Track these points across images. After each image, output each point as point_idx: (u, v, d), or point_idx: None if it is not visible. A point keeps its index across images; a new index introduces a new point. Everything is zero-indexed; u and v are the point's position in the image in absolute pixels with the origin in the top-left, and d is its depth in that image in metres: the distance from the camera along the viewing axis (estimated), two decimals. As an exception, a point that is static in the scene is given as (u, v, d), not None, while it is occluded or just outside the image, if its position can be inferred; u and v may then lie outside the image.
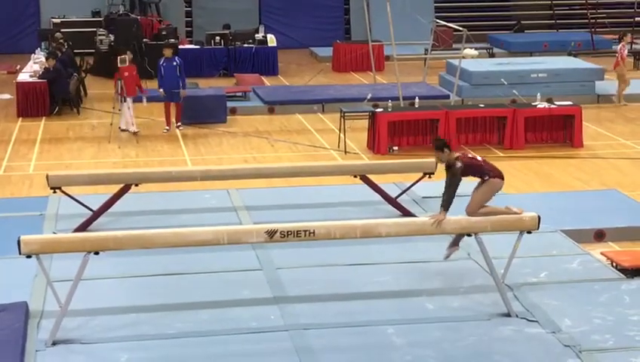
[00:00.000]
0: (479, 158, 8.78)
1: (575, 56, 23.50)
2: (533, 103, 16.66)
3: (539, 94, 17.12)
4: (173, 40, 23.59)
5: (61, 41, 21.70)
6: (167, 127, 17.29)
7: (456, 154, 8.47)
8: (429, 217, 8.50)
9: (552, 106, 16.41)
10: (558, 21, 29.35)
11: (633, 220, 11.34)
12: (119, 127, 17.07)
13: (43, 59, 20.15)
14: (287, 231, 8.08)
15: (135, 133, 16.83)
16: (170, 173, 11.68)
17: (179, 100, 17.34)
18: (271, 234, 8.06)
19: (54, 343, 7.74)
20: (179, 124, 17.40)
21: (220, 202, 11.89)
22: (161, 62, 17.31)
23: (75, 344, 7.78)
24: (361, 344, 7.85)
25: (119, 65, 16.97)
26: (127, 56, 17.14)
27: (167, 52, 17.39)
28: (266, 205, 11.71)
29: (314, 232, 8.15)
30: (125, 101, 16.94)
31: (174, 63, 17.29)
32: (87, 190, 11.61)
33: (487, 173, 8.55)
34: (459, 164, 8.32)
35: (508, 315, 8.34)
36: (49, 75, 18.81)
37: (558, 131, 16.37)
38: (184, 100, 18.08)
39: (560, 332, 8.01)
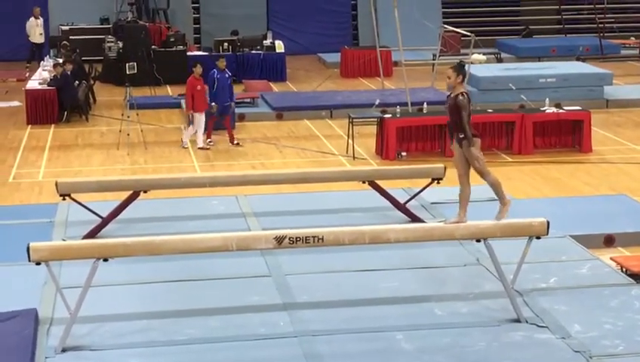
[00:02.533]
0: None
1: (583, 60, 23.48)
2: (541, 108, 16.64)
3: (547, 99, 17.09)
4: (181, 46, 23.68)
5: (69, 48, 21.78)
6: (211, 140, 16.53)
7: (465, 90, 8.37)
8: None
9: (561, 111, 16.39)
10: (566, 26, 29.31)
11: (643, 225, 11.32)
12: (183, 145, 16.44)
13: (52, 66, 20.20)
14: (296, 237, 8.08)
15: (203, 148, 16.21)
16: (179, 180, 11.70)
17: (229, 114, 16.71)
18: (280, 240, 8.06)
19: (64, 350, 7.76)
20: (237, 141, 16.54)
21: (229, 208, 11.90)
22: (216, 75, 16.43)
23: (84, 350, 7.79)
24: (370, 350, 7.84)
25: (195, 77, 16.26)
26: (199, 69, 16.42)
27: (221, 64, 16.58)
28: (275, 211, 11.71)
29: (323, 238, 8.14)
30: (193, 116, 16.24)
31: (227, 75, 16.60)
32: (96, 197, 11.62)
33: (465, 130, 8.36)
34: (465, 97, 8.25)
35: (517, 321, 8.32)
36: (58, 82, 18.86)
37: (567, 136, 16.35)
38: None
39: (570, 337, 7.99)
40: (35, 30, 24.55)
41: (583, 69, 20.84)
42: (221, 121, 16.67)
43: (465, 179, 8.57)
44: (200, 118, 16.35)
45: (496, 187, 8.52)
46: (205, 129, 16.44)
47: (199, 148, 16.27)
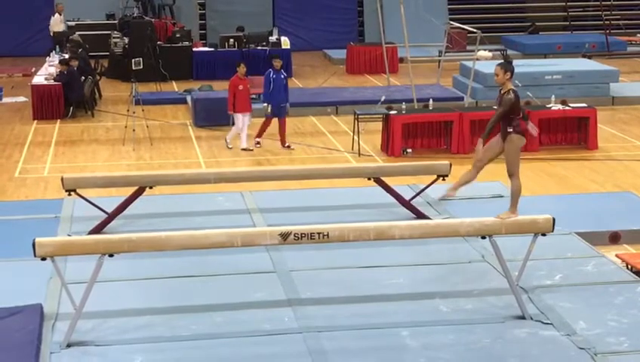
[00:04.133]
0: None
1: (589, 57, 23.45)
2: (547, 105, 16.63)
3: (553, 96, 17.07)
4: (187, 42, 23.69)
5: (80, 42, 21.82)
6: (258, 140, 16.25)
7: (513, 86, 8.39)
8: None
9: (567, 108, 16.37)
10: (572, 23, 29.28)
11: (648, 222, 11.31)
12: (242, 148, 16.00)
13: (58, 61, 20.23)
14: (301, 234, 8.08)
15: (247, 150, 15.94)
16: (184, 176, 11.70)
17: (284, 115, 16.30)
18: (285, 236, 8.06)
19: (69, 345, 7.76)
20: (288, 144, 16.23)
21: (234, 204, 11.90)
22: (271, 75, 16.06)
23: (89, 346, 7.80)
24: (374, 346, 7.84)
25: (239, 76, 16.00)
26: (242, 69, 16.13)
27: (277, 63, 16.09)
28: (280, 207, 11.72)
29: (328, 234, 8.14)
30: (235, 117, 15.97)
31: (282, 76, 16.19)
32: (101, 192, 11.65)
33: (514, 126, 8.41)
34: (512, 95, 8.28)
35: (522, 318, 8.31)
36: (64, 77, 18.88)
37: (573, 133, 16.34)
38: (198, 103, 18.15)
39: (575, 334, 7.98)
40: (59, 27, 24.62)
41: (589, 66, 20.81)
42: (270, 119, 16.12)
43: (481, 165, 8.63)
44: (242, 119, 15.97)
45: (515, 194, 8.49)
46: (243, 128, 15.98)
47: (242, 149, 15.92)
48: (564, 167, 14.89)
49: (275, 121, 16.19)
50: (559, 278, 9.28)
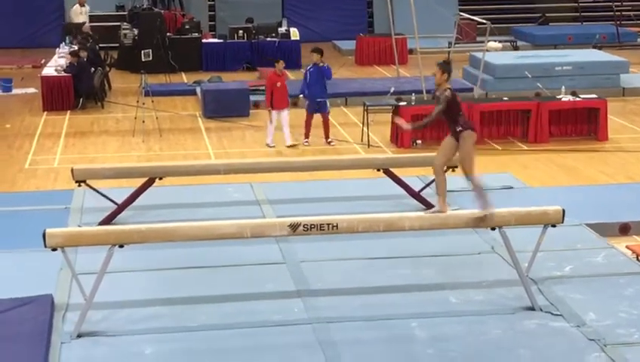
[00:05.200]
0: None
1: (600, 48, 23.34)
2: (557, 96, 16.57)
3: (563, 87, 17.01)
4: (196, 33, 23.67)
5: (90, 33, 21.83)
6: (307, 140, 15.68)
7: (450, 86, 8.39)
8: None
9: (577, 99, 16.32)
10: (582, 13, 29.15)
11: (659, 214, 11.27)
12: (267, 144, 15.57)
13: (68, 53, 20.25)
14: (311, 225, 8.09)
15: (292, 146, 15.45)
16: (194, 167, 11.72)
17: (326, 111, 15.74)
18: (294, 227, 8.07)
19: (79, 335, 7.80)
20: (330, 139, 15.76)
21: (244, 195, 11.92)
22: (309, 68, 15.70)
23: (99, 336, 7.83)
24: (384, 337, 7.85)
25: (277, 73, 15.60)
26: (280, 65, 15.78)
27: (316, 56, 15.53)
28: (289, 198, 11.73)
29: (337, 226, 8.15)
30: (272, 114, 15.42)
31: (322, 70, 15.60)
32: (111, 183, 11.67)
33: (461, 124, 8.35)
34: (448, 93, 8.26)
35: (532, 309, 8.31)
36: (73, 69, 18.90)
37: (583, 124, 16.28)
38: (207, 94, 18.13)
39: (584, 326, 7.98)
40: (79, 17, 24.65)
41: (600, 57, 20.73)
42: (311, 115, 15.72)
43: (441, 169, 8.55)
44: (280, 116, 15.51)
45: (479, 188, 8.36)
46: (285, 124, 15.53)
47: (288, 146, 15.53)
48: (575, 158, 14.85)
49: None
50: (569, 269, 9.27)
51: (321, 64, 15.67)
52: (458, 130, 8.35)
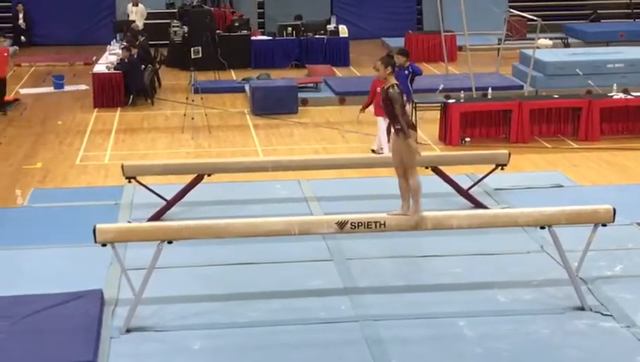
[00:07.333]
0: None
1: (653, 45, 23.02)
2: (609, 94, 16.38)
3: (615, 85, 16.81)
4: (245, 31, 23.75)
5: (139, 30, 22.02)
6: (382, 148, 14.15)
7: (395, 82, 8.19)
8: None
9: (629, 97, 16.11)
10: (635, 10, 28.76)
11: None
12: (371, 149, 14.60)
13: (119, 50, 20.46)
14: (358, 222, 8.08)
15: (375, 152, 14.41)
16: (242, 164, 11.77)
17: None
18: (342, 225, 8.07)
19: (128, 330, 7.87)
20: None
21: (291, 193, 11.94)
22: (402, 71, 14.24)
23: (148, 331, 7.90)
24: (431, 335, 7.82)
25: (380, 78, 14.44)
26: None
27: (400, 59, 14.02)
28: (337, 196, 11.72)
29: (384, 224, 8.13)
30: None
31: (406, 72, 14.46)
32: (160, 180, 11.76)
33: (401, 122, 8.06)
34: (396, 89, 8.04)
35: (582, 309, 8.23)
36: (125, 66, 19.09)
37: (635, 122, 16.07)
38: (256, 91, 18.16)
39: (634, 326, 7.88)
40: (132, 17, 24.93)
41: (652, 54, 20.43)
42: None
43: (401, 171, 8.33)
44: (383, 122, 13.86)
45: (415, 192, 8.19)
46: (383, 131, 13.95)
47: (372, 150, 14.71)
48: (626, 156, 14.66)
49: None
50: (619, 269, 9.16)
51: (407, 64, 14.73)
52: (397, 127, 8.13)
